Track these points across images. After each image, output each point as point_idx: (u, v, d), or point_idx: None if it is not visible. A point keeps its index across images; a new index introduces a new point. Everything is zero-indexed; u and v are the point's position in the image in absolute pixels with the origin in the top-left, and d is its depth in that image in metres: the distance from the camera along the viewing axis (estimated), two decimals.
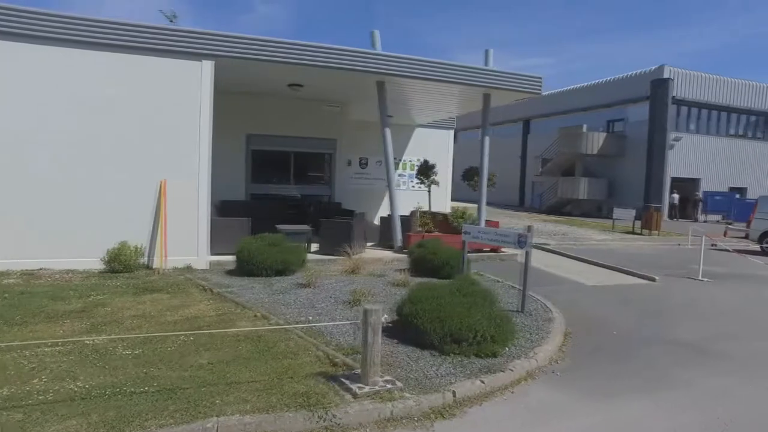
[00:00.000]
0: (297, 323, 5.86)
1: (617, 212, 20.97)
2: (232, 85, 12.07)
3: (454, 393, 4.15)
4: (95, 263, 8.59)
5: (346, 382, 4.12)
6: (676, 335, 6.65)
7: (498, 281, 9.18)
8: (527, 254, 6.72)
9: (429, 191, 15.17)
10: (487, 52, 11.72)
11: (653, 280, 10.59)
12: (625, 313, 7.79)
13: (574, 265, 12.30)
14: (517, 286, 8.75)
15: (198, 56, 9.09)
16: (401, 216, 11.84)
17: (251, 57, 9.40)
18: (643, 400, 4.50)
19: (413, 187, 17.04)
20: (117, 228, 8.73)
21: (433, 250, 9.18)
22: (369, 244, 12.17)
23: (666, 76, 26.69)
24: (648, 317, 7.60)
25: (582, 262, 12.57)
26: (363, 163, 17.03)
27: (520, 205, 36.18)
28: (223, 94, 12.67)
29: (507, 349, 5.23)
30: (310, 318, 6.10)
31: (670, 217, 27.68)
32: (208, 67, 9.19)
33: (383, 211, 15.47)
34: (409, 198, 16.23)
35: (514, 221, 23.05)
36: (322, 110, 13.95)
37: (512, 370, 4.68)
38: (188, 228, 9.30)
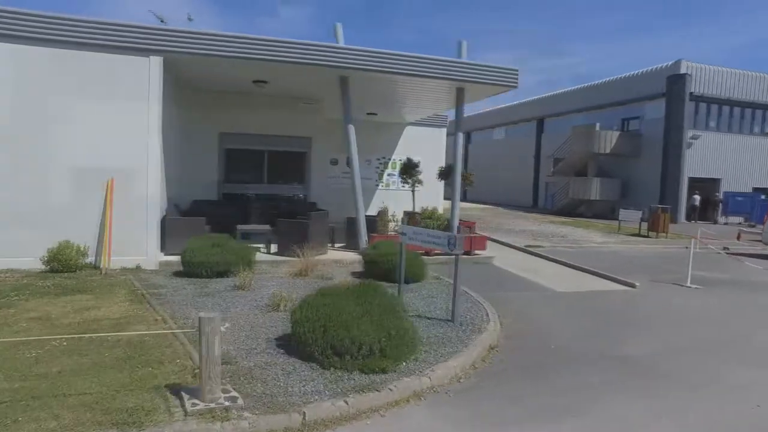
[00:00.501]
0: (194, 328, 5.50)
1: (623, 213, 19.95)
2: (200, 82, 11.88)
3: (303, 414, 3.69)
4: (38, 263, 8.46)
5: (186, 396, 3.73)
6: (627, 350, 5.99)
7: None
8: (457, 258, 6.17)
9: (413, 191, 14.67)
10: (460, 44, 11.15)
11: (633, 286, 9.82)
12: (581, 324, 7.13)
13: (554, 268, 11.58)
14: (471, 292, 8.22)
15: (145, 52, 8.86)
16: (370, 216, 11.39)
17: (201, 52, 9.12)
18: (536, 430, 3.93)
19: (403, 186, 16.53)
20: (62, 227, 8.57)
21: (385, 252, 8.71)
22: (338, 245, 11.77)
23: (683, 71, 25.33)
24: (605, 328, 6.94)
25: (564, 266, 11.84)
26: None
27: (533, 206, 35.13)
28: (194, 92, 12.58)
29: (404, 364, 4.72)
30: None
31: (689, 218, 26.28)
32: (156, 63, 8.95)
33: (370, 210, 15.07)
34: (399, 198, 15.78)
35: (517, 222, 22.23)
36: (297, 108, 13.63)
37: (391, 390, 4.18)
38: (137, 228, 9.08)
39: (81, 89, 8.62)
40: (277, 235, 10.37)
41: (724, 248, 17.03)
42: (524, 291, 9.23)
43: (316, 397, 3.97)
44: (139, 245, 9.12)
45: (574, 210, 28.58)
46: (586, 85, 31.83)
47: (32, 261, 8.49)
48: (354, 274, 9.13)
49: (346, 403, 3.90)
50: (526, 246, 14.81)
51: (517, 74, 10.91)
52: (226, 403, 3.66)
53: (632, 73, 28.31)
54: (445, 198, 23.08)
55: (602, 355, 5.76)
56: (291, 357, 4.75)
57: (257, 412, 3.65)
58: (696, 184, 26.37)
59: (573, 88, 32.69)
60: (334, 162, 16.30)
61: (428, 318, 6.44)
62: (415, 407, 4.13)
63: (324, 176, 15.35)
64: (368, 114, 15.41)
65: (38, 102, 8.49)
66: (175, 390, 3.89)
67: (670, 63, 25.96)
